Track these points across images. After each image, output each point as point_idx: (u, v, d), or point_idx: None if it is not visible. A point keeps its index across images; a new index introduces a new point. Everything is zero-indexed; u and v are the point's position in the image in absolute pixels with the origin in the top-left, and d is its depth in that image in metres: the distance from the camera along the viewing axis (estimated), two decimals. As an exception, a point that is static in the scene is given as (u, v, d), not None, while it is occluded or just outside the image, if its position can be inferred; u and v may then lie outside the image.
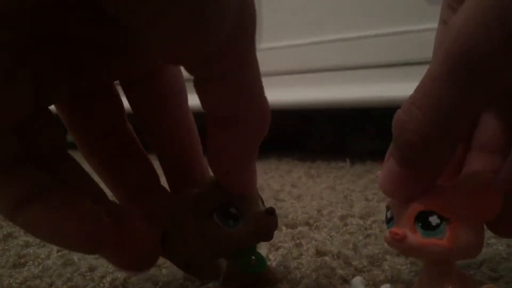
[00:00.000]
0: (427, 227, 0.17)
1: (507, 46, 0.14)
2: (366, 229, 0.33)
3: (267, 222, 0.20)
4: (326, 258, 0.27)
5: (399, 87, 0.63)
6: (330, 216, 0.37)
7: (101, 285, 0.24)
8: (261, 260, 0.21)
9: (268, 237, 0.21)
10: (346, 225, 0.35)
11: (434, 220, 0.17)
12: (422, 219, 0.17)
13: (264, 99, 0.18)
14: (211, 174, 0.20)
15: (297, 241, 0.30)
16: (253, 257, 0.21)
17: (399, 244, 0.17)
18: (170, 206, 0.21)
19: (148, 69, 0.21)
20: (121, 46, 0.19)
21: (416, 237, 0.17)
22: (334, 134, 0.98)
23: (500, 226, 0.19)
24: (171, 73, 0.21)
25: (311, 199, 0.45)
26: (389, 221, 0.19)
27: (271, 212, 0.20)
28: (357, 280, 0.23)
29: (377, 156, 0.78)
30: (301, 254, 0.28)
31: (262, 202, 0.22)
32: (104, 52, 0.19)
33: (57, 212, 0.17)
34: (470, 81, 0.15)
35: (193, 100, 0.19)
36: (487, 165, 0.20)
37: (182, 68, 0.17)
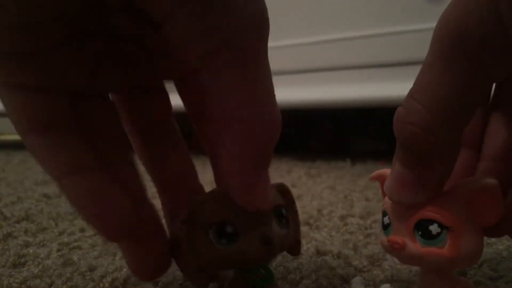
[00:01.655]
0: (428, 236, 0.16)
1: (500, 28, 0.14)
2: (366, 229, 0.33)
3: (259, 251, 0.18)
4: (326, 258, 0.27)
5: (400, 87, 0.63)
6: (330, 216, 0.37)
7: (101, 285, 0.24)
8: (269, 273, 0.21)
9: (263, 262, 0.20)
10: (346, 225, 0.35)
11: (434, 229, 0.16)
12: (422, 228, 0.16)
13: (272, 100, 0.17)
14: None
15: (297, 241, 0.30)
16: (261, 270, 0.21)
17: (398, 253, 0.17)
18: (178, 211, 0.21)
19: (183, 74, 0.22)
20: (163, 51, 0.20)
21: (416, 246, 0.16)
22: (334, 133, 0.98)
23: (498, 231, 0.18)
24: None
25: (311, 199, 0.45)
26: (386, 227, 0.18)
27: (267, 242, 0.18)
28: (357, 280, 0.23)
29: (378, 156, 0.78)
30: (301, 254, 0.28)
31: (286, 218, 0.20)
32: (151, 54, 0.20)
33: (93, 190, 0.18)
34: (465, 65, 0.14)
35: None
36: (497, 174, 0.19)
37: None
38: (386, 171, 0.19)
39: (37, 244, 0.31)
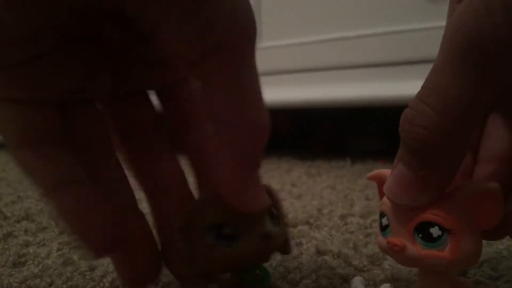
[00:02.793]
0: (428, 239, 0.16)
1: None
2: (366, 228, 0.33)
3: (261, 247, 0.19)
4: (326, 257, 0.27)
5: (400, 86, 0.63)
6: (330, 215, 0.37)
7: (101, 284, 0.24)
8: (266, 274, 0.21)
9: (263, 260, 0.20)
10: (346, 224, 0.35)
11: (435, 231, 0.16)
12: (422, 230, 0.16)
13: (260, 103, 0.17)
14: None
15: (297, 240, 0.31)
16: (257, 271, 0.21)
17: (397, 255, 0.17)
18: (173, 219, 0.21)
19: (170, 81, 0.22)
20: (151, 59, 0.20)
21: (415, 248, 0.16)
22: (334, 133, 0.98)
23: (497, 234, 0.18)
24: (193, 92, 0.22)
25: (311, 198, 0.45)
26: (384, 228, 0.18)
27: (266, 236, 0.19)
28: (357, 280, 0.23)
29: (378, 155, 0.78)
30: (301, 253, 0.28)
31: (277, 217, 0.20)
32: (140, 62, 0.20)
33: (78, 205, 0.19)
34: (477, 70, 0.14)
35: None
36: (495, 177, 0.19)
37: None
38: (384, 171, 0.19)
39: (37, 244, 0.31)
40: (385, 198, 0.18)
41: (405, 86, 0.63)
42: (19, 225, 0.37)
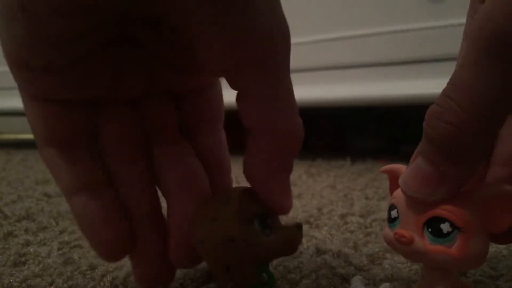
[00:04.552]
0: (437, 234, 0.16)
1: None
2: (366, 227, 0.34)
3: (296, 236, 0.20)
4: (326, 256, 0.27)
5: (400, 86, 0.63)
6: (330, 215, 0.37)
7: (102, 284, 0.24)
8: (271, 278, 0.21)
9: (294, 250, 0.21)
10: (346, 223, 0.35)
11: (446, 227, 0.16)
12: (432, 225, 0.16)
13: (295, 114, 0.19)
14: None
15: (297, 240, 0.30)
16: (264, 274, 0.20)
17: (403, 247, 0.17)
18: (211, 207, 0.20)
19: (195, 87, 0.23)
20: (182, 65, 0.21)
21: (423, 242, 0.16)
22: (334, 132, 0.98)
23: (507, 238, 0.18)
24: (211, 98, 0.23)
25: (311, 198, 0.45)
26: (392, 220, 0.18)
27: (300, 226, 0.21)
28: (357, 279, 0.23)
29: (378, 154, 0.78)
30: (301, 253, 0.28)
31: (270, 229, 0.21)
32: (171, 67, 0.21)
33: (92, 211, 0.19)
34: (505, 67, 0.14)
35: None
36: (509, 180, 0.19)
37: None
38: (397, 166, 0.19)
39: (38, 243, 0.31)
40: (397, 191, 0.18)
41: (405, 86, 0.63)
42: (20, 224, 0.37)
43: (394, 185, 0.19)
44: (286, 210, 0.20)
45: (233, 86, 0.18)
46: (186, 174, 0.22)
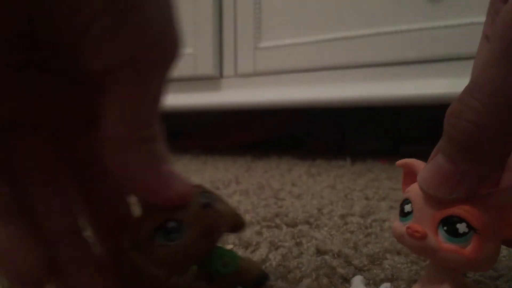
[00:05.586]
0: (453, 234, 0.16)
1: None
2: (366, 228, 0.34)
3: (205, 217, 0.19)
4: (326, 257, 0.27)
5: (400, 86, 0.63)
6: (330, 215, 0.37)
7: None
8: (234, 258, 0.20)
9: (213, 231, 0.20)
10: (346, 224, 0.35)
11: (462, 227, 0.16)
12: (448, 224, 0.16)
13: (153, 124, 0.18)
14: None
15: (297, 240, 0.31)
16: (223, 257, 0.20)
17: (414, 242, 0.17)
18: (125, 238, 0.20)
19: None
20: (87, 86, 0.20)
21: (436, 239, 0.16)
22: (334, 132, 0.98)
23: None
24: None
25: (312, 198, 0.45)
26: (405, 215, 0.18)
27: (206, 205, 0.19)
28: (357, 279, 0.23)
29: (378, 154, 0.78)
30: (301, 253, 0.28)
31: (211, 199, 0.20)
32: (83, 93, 0.20)
33: (4, 240, 0.17)
34: None
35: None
36: None
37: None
38: (413, 160, 0.19)
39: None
40: (414, 186, 0.18)
41: (405, 86, 0.63)
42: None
43: (407, 179, 0.19)
44: (158, 192, 0.18)
45: (106, 83, 0.17)
46: (104, 195, 0.21)
